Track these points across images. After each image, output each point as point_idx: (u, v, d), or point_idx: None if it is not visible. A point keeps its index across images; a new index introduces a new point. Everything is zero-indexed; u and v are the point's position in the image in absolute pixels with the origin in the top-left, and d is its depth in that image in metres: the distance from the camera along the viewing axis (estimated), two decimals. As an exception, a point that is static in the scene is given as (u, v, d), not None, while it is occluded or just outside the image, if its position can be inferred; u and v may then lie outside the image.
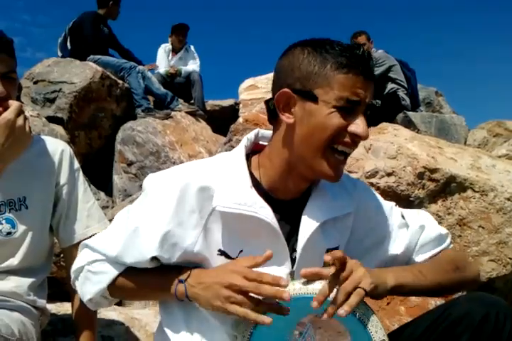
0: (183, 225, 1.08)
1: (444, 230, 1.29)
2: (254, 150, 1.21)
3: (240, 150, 1.17)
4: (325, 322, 1.00)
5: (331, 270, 1.00)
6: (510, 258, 2.32)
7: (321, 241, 1.15)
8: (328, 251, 1.16)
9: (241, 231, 1.10)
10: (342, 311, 0.96)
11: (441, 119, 5.22)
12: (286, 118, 1.09)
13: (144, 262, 1.11)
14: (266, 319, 0.97)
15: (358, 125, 1.05)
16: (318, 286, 1.01)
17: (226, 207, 1.08)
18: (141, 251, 1.10)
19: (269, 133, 1.21)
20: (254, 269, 1.02)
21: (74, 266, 1.22)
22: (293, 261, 1.14)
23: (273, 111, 1.12)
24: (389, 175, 2.57)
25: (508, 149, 3.71)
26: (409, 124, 4.70)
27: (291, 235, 1.15)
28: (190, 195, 1.08)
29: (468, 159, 2.67)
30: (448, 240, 1.28)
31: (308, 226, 1.13)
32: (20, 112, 1.31)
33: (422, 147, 2.69)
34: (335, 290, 0.99)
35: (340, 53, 1.04)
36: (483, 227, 2.36)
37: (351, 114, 1.05)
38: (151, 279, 1.13)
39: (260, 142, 1.22)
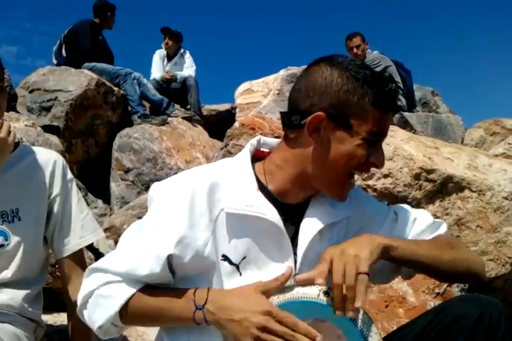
0: (194, 228, 1.09)
1: (438, 220, 1.30)
2: (255, 157, 1.23)
3: (245, 155, 1.19)
4: (324, 326, 1.01)
5: (322, 276, 1.02)
6: (509, 258, 2.31)
7: (320, 245, 1.16)
8: None
9: (246, 235, 1.11)
10: (359, 303, 0.98)
11: (438, 119, 5.22)
12: (312, 139, 1.11)
13: (159, 273, 1.07)
14: None
15: (377, 157, 1.12)
16: (316, 291, 1.02)
17: (234, 209, 1.09)
18: (158, 254, 1.07)
19: (270, 140, 1.25)
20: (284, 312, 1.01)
21: (81, 293, 1.13)
22: (295, 263, 1.14)
23: (296, 125, 1.13)
24: (385, 176, 2.56)
25: (505, 148, 3.70)
26: (405, 125, 4.69)
27: (294, 238, 1.16)
28: (200, 198, 1.10)
29: (465, 159, 2.66)
30: (443, 227, 1.28)
31: (307, 231, 1.15)
32: None
33: (419, 148, 2.68)
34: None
35: (378, 86, 1.08)
36: (481, 227, 2.35)
37: (374, 145, 1.11)
38: (165, 301, 1.08)
39: (261, 149, 1.25)
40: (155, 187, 1.17)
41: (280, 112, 1.20)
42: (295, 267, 1.14)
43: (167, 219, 1.10)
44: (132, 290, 1.08)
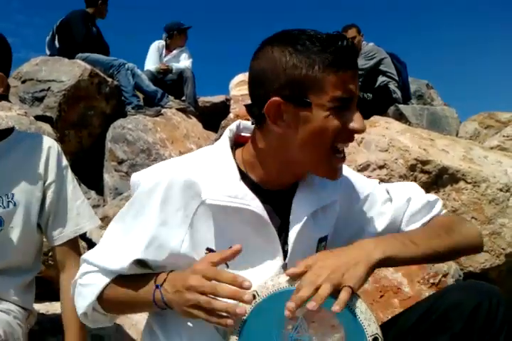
0: (167, 225, 1.06)
1: (432, 197, 1.26)
2: (236, 142, 1.18)
3: (225, 143, 1.14)
4: (318, 315, 0.98)
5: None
6: (503, 249, 2.32)
7: (311, 231, 1.14)
8: (320, 240, 1.16)
9: (230, 227, 1.08)
10: (337, 307, 0.92)
11: (433, 112, 5.22)
12: (277, 127, 1.04)
13: (128, 267, 1.08)
14: (227, 321, 0.94)
15: (355, 121, 1.03)
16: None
17: (216, 200, 1.05)
18: (126, 254, 1.08)
19: (251, 124, 1.18)
20: (230, 269, 0.99)
21: (72, 282, 1.19)
22: (285, 253, 1.11)
23: (258, 116, 1.07)
24: (381, 167, 2.56)
25: (499, 140, 3.71)
26: (400, 117, 4.69)
27: (282, 227, 1.13)
28: (175, 193, 1.06)
29: (460, 151, 2.66)
30: (438, 206, 1.25)
31: (298, 218, 1.11)
32: None
33: (414, 139, 2.68)
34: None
35: (325, 49, 0.99)
36: (475, 218, 2.36)
37: (346, 110, 1.02)
38: (134, 287, 1.09)
39: (242, 133, 1.20)
40: (134, 177, 1.15)
41: (244, 105, 1.14)
42: (285, 255, 1.11)
43: (139, 216, 1.09)
44: (106, 280, 1.11)
